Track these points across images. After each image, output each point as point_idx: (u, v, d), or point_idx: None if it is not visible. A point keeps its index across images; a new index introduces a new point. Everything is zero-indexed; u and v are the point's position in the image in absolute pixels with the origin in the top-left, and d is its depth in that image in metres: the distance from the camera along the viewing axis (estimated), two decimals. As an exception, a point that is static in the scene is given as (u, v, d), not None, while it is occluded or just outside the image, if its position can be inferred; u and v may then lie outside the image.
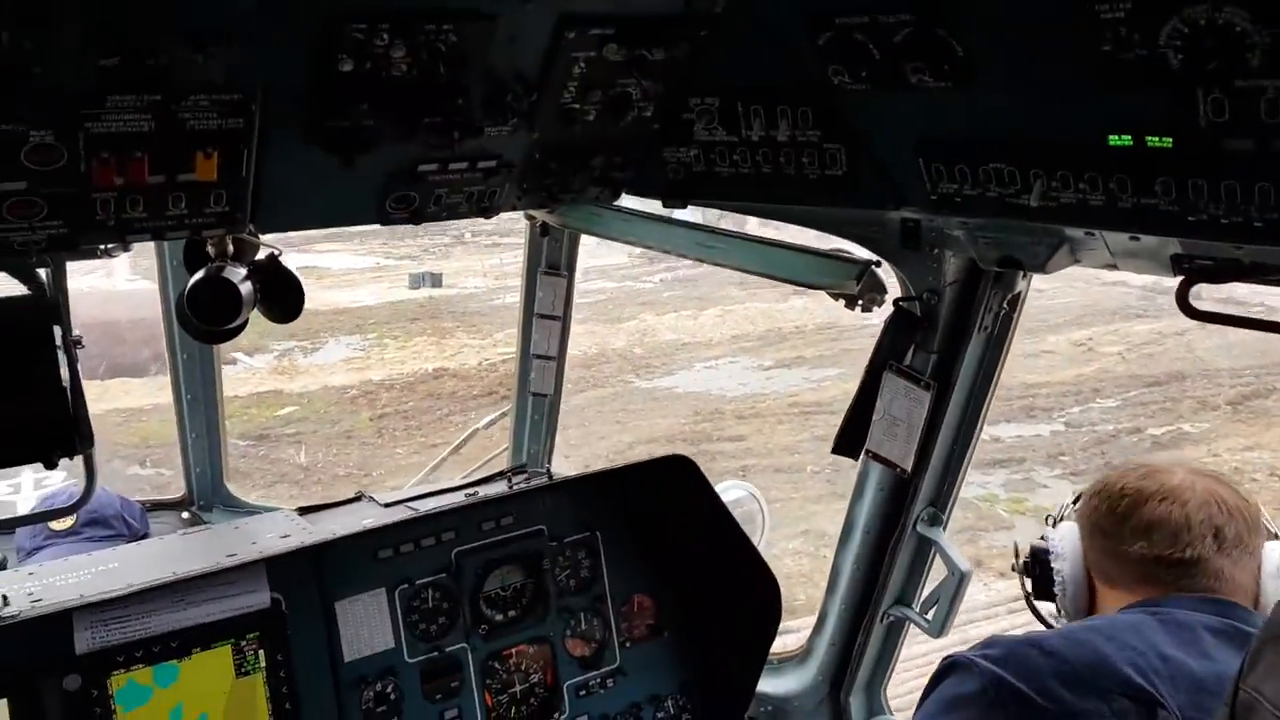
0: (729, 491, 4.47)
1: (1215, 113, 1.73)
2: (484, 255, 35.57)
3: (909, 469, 3.05)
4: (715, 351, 26.02)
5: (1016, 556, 2.48)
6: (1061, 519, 2.43)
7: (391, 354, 25.83)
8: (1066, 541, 2.32)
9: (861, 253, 2.84)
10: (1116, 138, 1.90)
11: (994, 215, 2.23)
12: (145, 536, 4.08)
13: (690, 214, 3.00)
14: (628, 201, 2.89)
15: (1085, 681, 1.90)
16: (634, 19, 2.21)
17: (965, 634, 12.75)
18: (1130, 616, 2.08)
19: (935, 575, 3.35)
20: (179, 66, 1.80)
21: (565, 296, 3.71)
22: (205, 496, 4.28)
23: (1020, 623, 13.59)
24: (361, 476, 18.57)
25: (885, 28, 2.02)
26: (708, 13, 2.29)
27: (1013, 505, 17.14)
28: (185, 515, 4.31)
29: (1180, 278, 2.20)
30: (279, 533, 3.20)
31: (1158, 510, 2.14)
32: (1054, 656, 1.95)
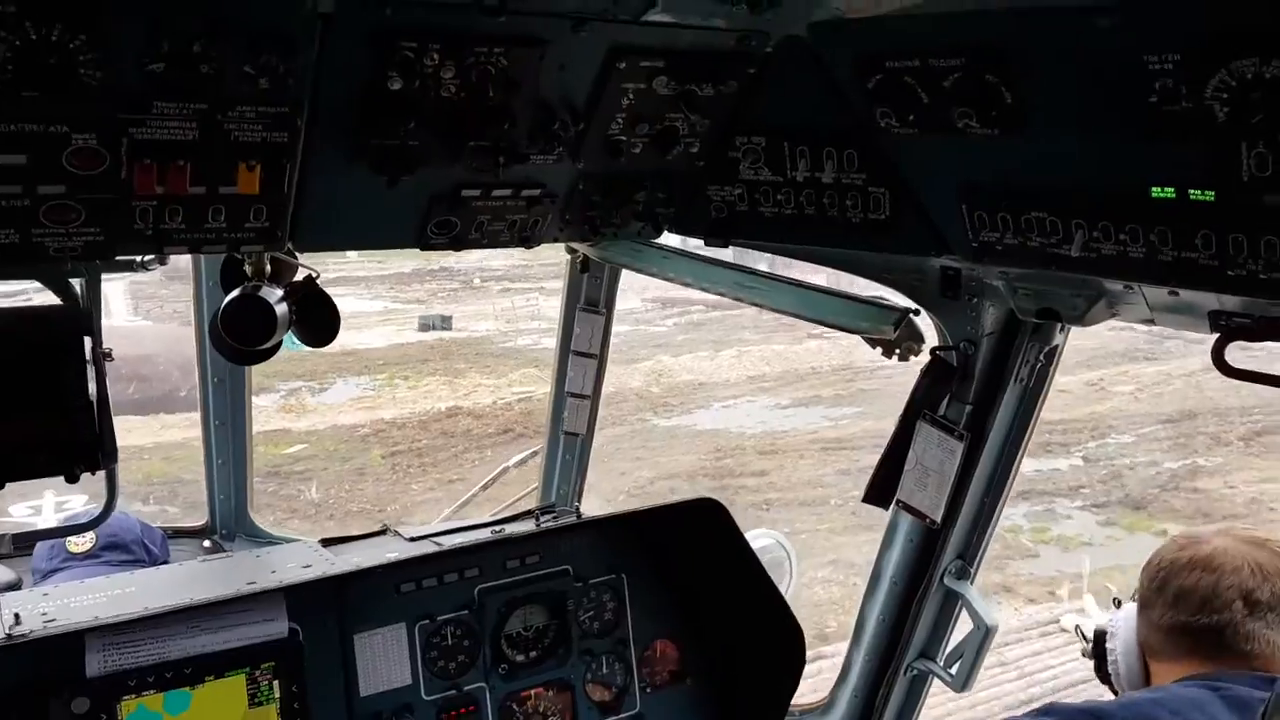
0: (757, 540, 4.40)
1: (1259, 167, 1.73)
2: (494, 300, 36.38)
3: (939, 520, 3.01)
4: (733, 391, 26.67)
5: (1084, 640, 2.55)
6: (1125, 601, 2.45)
7: (403, 393, 26.14)
8: (1121, 620, 2.36)
9: (900, 300, 2.84)
10: (1159, 190, 1.89)
11: (1035, 265, 2.22)
12: (165, 564, 4.06)
13: (728, 256, 3.01)
14: (668, 239, 2.90)
15: None
16: (685, 53, 2.23)
17: (1001, 655, 12.79)
18: (1190, 691, 2.03)
19: (961, 628, 3.29)
20: (227, 75, 1.81)
21: (603, 334, 3.70)
22: (228, 525, 4.26)
23: (1052, 645, 13.65)
24: (376, 511, 18.69)
25: (935, 71, 2.04)
26: (759, 51, 2.31)
27: (1036, 535, 17.31)
28: (207, 544, 4.28)
29: (1217, 335, 2.18)
30: (300, 563, 3.18)
31: (1188, 579, 2.16)
32: None
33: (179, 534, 4.33)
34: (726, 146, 2.48)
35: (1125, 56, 1.78)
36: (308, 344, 2.74)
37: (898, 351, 2.92)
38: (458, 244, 2.36)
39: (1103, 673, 2.41)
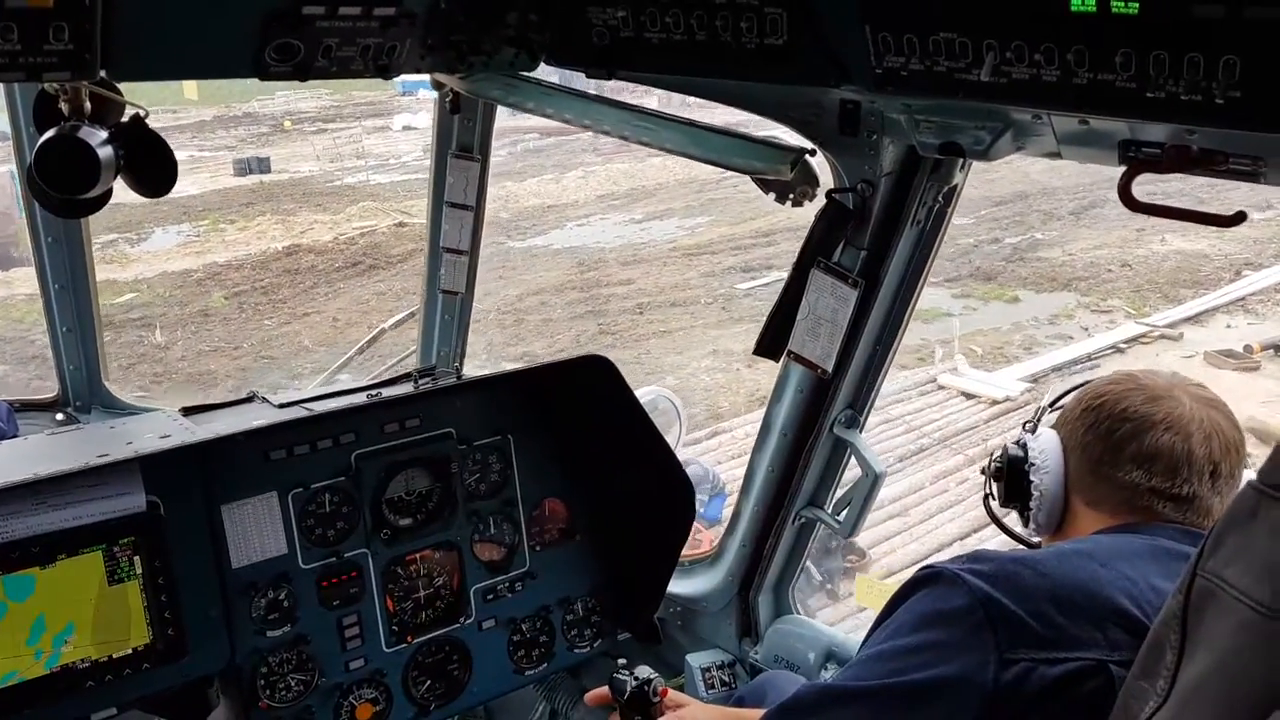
0: (644, 396, 4.38)
1: None
2: (310, 141, 36.19)
3: (830, 370, 2.96)
4: (584, 211, 28.28)
5: (993, 463, 2.34)
6: (1038, 423, 2.31)
7: (232, 236, 25.92)
8: (1050, 455, 2.18)
9: (796, 141, 2.68)
10: (1079, 3, 1.76)
11: (941, 94, 2.08)
12: (12, 438, 3.75)
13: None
14: (546, 75, 2.65)
15: (1080, 607, 1.78)
16: None
17: (887, 413, 13.81)
18: (1118, 542, 1.97)
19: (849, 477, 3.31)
20: None
21: (479, 183, 3.42)
22: (81, 396, 3.91)
23: (932, 401, 14.65)
24: (232, 349, 18.50)
25: None
26: None
27: None
28: (60, 417, 3.95)
29: (1124, 167, 2.10)
30: (159, 433, 2.94)
31: (1161, 440, 2.03)
32: (1048, 578, 1.82)
33: (27, 407, 3.98)
34: None
35: None
36: (143, 193, 2.42)
37: (791, 196, 2.79)
38: (303, 72, 2.06)
39: (1010, 502, 2.28)
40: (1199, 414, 2.06)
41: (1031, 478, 2.20)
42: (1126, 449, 2.06)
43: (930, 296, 18.80)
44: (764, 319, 2.98)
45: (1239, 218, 2.11)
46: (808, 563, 3.53)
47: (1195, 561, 1.29)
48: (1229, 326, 17.32)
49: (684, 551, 3.45)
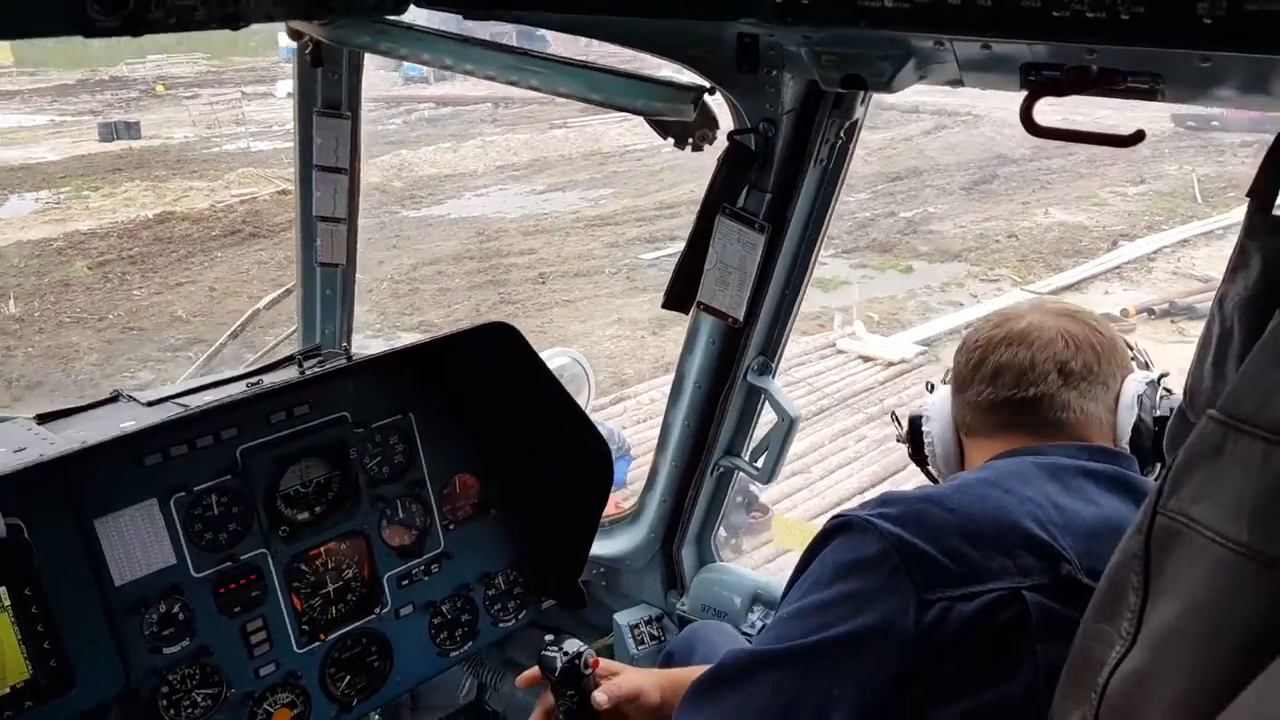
0: (553, 360, 4.20)
1: None
2: (185, 106, 34.98)
3: (741, 319, 2.87)
4: (483, 181, 28.04)
5: (898, 425, 2.43)
6: (942, 383, 2.34)
7: (97, 204, 24.82)
8: (938, 405, 2.27)
9: (693, 80, 2.53)
10: None
11: (843, 24, 1.98)
12: None
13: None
14: (419, 19, 2.41)
15: (990, 538, 1.77)
16: None
17: (790, 376, 14.22)
18: (1012, 464, 1.98)
19: (763, 424, 3.25)
20: None
21: (351, 143, 3.13)
22: (-86, 408, 3.52)
23: (831, 364, 15.08)
24: (96, 320, 17.55)
25: None
26: None
27: None
28: None
29: (1026, 92, 2.05)
30: (11, 446, 2.64)
31: (1004, 355, 2.10)
32: (956, 513, 1.80)
33: None
34: None
35: None
36: None
37: (691, 140, 2.65)
38: (135, 26, 1.77)
39: (919, 457, 2.35)
40: (1045, 323, 2.11)
41: (924, 427, 2.29)
42: (979, 371, 2.13)
43: (829, 266, 19.34)
44: (662, 289, 2.88)
45: (1138, 136, 2.09)
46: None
47: (1155, 500, 1.24)
48: (1107, 293, 18.28)
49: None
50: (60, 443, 2.65)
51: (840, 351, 16.03)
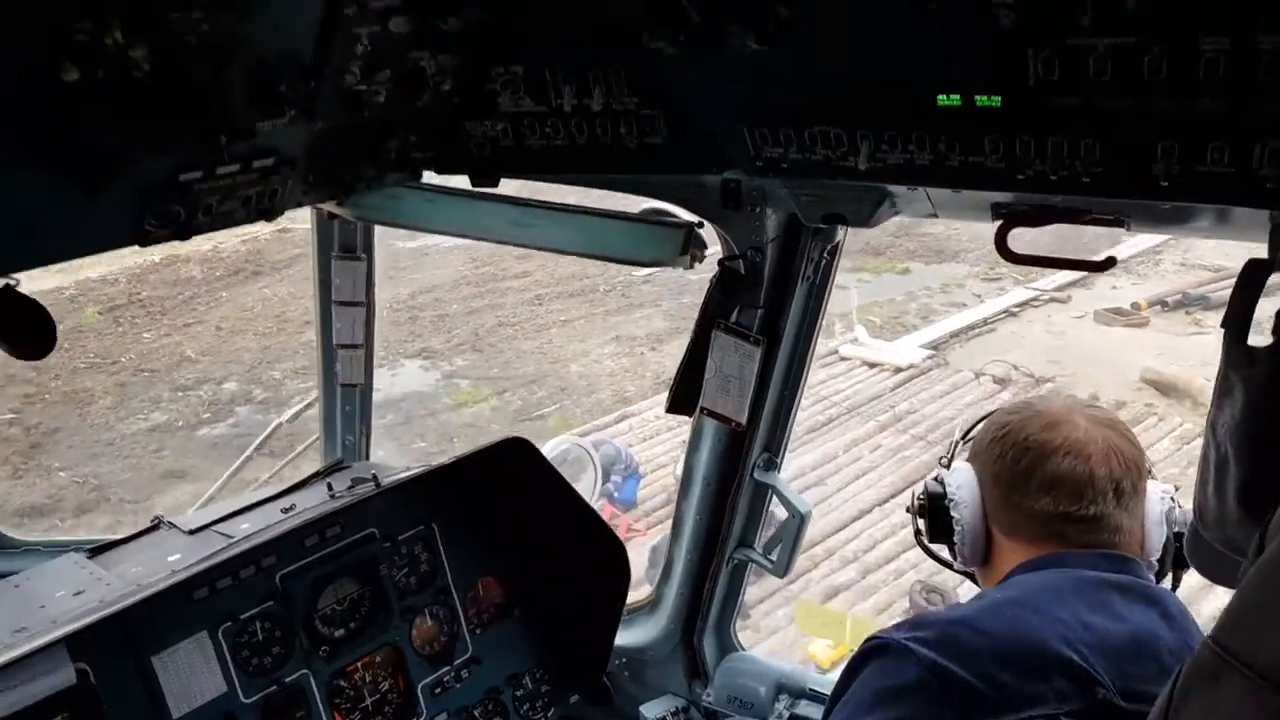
0: (557, 447, 4.41)
1: (1044, 71, 1.71)
2: None
3: (744, 422, 3.04)
4: None
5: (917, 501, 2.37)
6: (952, 458, 2.36)
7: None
8: (966, 489, 2.21)
9: (681, 214, 2.73)
10: (945, 98, 1.85)
11: (821, 177, 2.16)
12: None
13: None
14: (428, 177, 2.62)
15: (1024, 663, 1.82)
16: None
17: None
18: (1043, 580, 2.03)
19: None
20: None
21: (366, 280, 3.37)
22: (-35, 542, 3.70)
23: (835, 372, 14.80)
24: (109, 364, 17.67)
25: None
26: None
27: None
28: None
29: (999, 223, 2.22)
30: (70, 589, 2.80)
31: (1062, 465, 2.09)
32: (989, 636, 1.86)
33: (-89, 559, 3.72)
34: (482, 79, 2.22)
35: None
36: (23, 358, 2.30)
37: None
38: (185, 233, 1.99)
39: (937, 538, 2.31)
40: (1096, 434, 2.14)
41: (952, 513, 2.24)
42: (1033, 477, 2.12)
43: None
44: (656, 305, 3.02)
45: (1109, 262, 2.27)
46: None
47: (1165, 710, 1.27)
48: (1114, 288, 17.99)
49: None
50: (115, 583, 2.81)
51: (844, 358, 15.77)
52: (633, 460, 11.36)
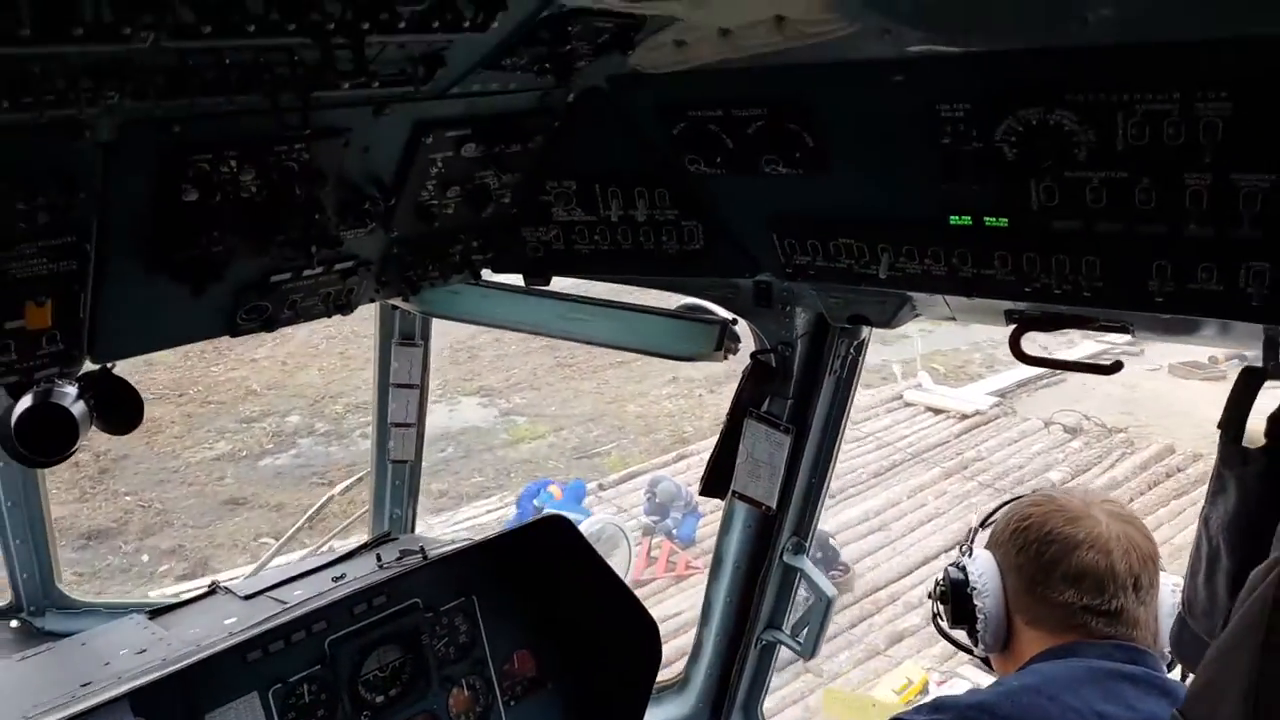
0: (593, 525, 4.55)
1: (1046, 198, 1.90)
2: None
3: (774, 506, 3.19)
4: None
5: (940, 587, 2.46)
6: (972, 544, 2.47)
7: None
8: (988, 577, 2.31)
9: (716, 307, 2.95)
10: (957, 218, 2.05)
11: (845, 283, 2.36)
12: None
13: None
14: (485, 274, 2.86)
15: None
16: (488, 118, 2.19)
17: (857, 430, 13.71)
18: (1059, 670, 2.13)
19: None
20: (1, 217, 1.64)
21: (422, 364, 3.62)
22: (35, 601, 3.91)
23: (900, 418, 14.75)
24: (177, 395, 18.39)
25: (738, 120, 2.10)
26: (560, 105, 2.30)
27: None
28: (15, 624, 3.93)
29: (1013, 326, 2.40)
30: (133, 647, 2.98)
31: (1086, 559, 2.19)
32: None
33: (-20, 618, 3.95)
34: (537, 191, 2.47)
35: (917, 105, 1.90)
36: (109, 432, 2.53)
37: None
38: (269, 325, 2.24)
39: (958, 623, 2.40)
40: (1116, 530, 2.25)
41: (974, 601, 2.35)
42: (1056, 570, 2.23)
43: None
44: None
45: (1116, 367, 2.43)
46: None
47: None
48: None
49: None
50: (175, 642, 2.98)
51: (908, 404, 15.77)
52: (692, 498, 11.40)
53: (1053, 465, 14.33)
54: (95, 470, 15.72)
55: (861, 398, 15.67)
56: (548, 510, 11.33)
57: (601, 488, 13.78)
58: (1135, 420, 15.64)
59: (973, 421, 15.23)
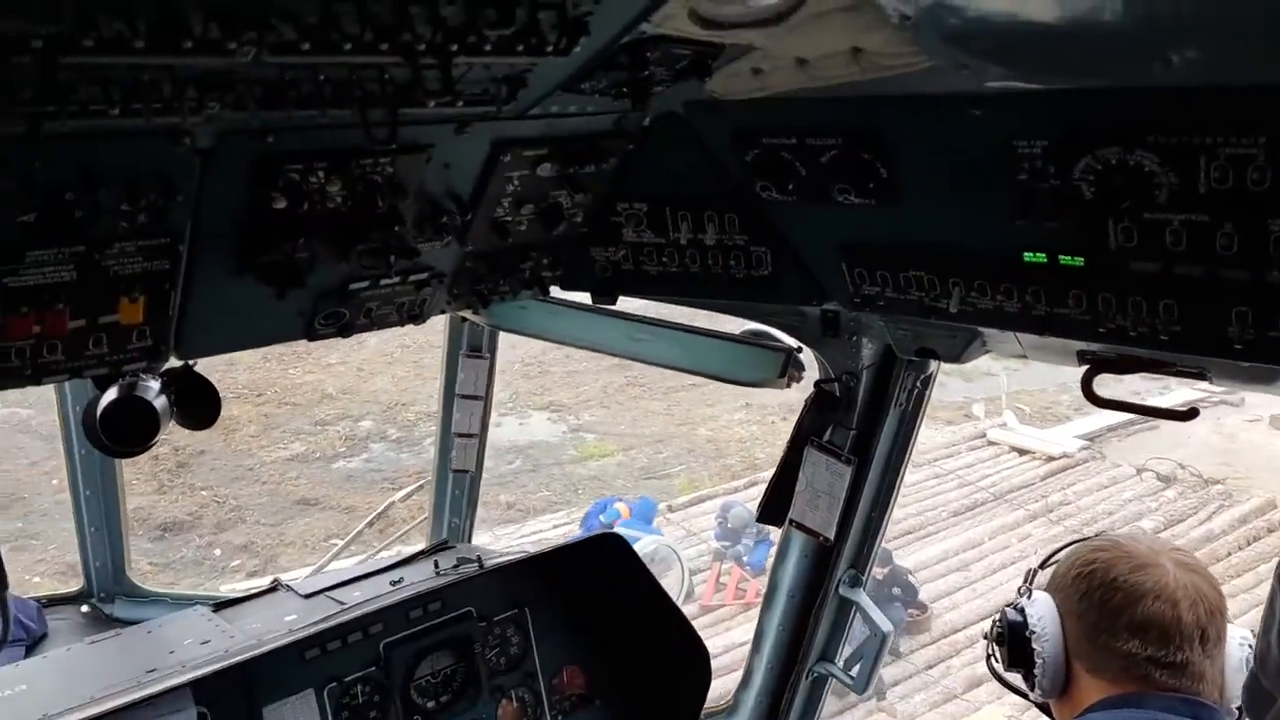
0: (646, 546, 4.56)
1: (1124, 239, 1.86)
2: None
3: (832, 537, 3.16)
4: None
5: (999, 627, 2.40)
6: (1031, 586, 2.42)
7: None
8: (1048, 621, 2.27)
9: (782, 337, 2.94)
10: (1031, 255, 2.02)
11: (914, 315, 2.34)
12: (44, 637, 3.85)
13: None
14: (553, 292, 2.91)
15: None
16: (566, 139, 2.24)
17: (938, 468, 13.52)
18: (1116, 718, 2.10)
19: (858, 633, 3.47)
20: (103, 216, 1.72)
21: (488, 377, 3.69)
22: (106, 588, 4.06)
23: (983, 456, 14.52)
24: (255, 396, 18.87)
25: (812, 149, 2.10)
26: (635, 129, 2.33)
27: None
28: (85, 609, 4.08)
29: (1085, 367, 2.35)
30: (197, 638, 3.07)
31: (1152, 609, 2.15)
32: None
33: (54, 602, 4.10)
34: (609, 212, 2.50)
35: (995, 140, 1.88)
36: (189, 429, 2.63)
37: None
38: (345, 331, 2.31)
39: (1016, 664, 2.34)
40: (1184, 580, 2.19)
41: (1033, 645, 2.30)
42: (1121, 618, 2.17)
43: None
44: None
45: (1191, 413, 2.36)
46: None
47: None
48: None
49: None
50: (237, 635, 3.07)
51: (992, 443, 15.47)
52: (765, 528, 11.31)
53: (1145, 514, 13.94)
54: (174, 464, 16.25)
55: (942, 434, 15.71)
56: (617, 527, 11.40)
57: (670, 509, 13.76)
58: (1234, 471, 15.12)
59: (1059, 464, 14.88)
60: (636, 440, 17.71)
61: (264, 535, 14.43)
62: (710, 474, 16.20)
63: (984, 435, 15.84)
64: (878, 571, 11.08)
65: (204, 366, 2.38)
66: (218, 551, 14.26)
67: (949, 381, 18.99)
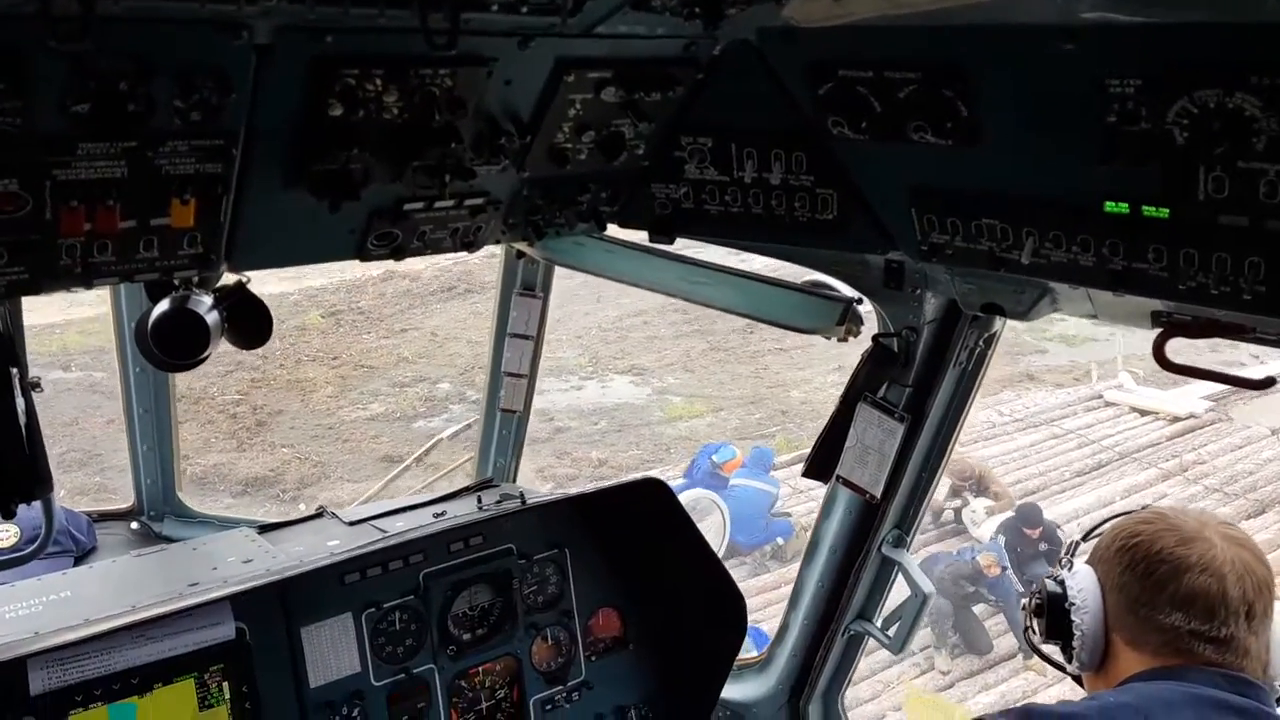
0: (687, 499, 4.54)
1: (1215, 189, 1.76)
2: None
3: (879, 495, 3.10)
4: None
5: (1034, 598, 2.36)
6: (1073, 558, 2.36)
7: (327, 264, 26.80)
8: (1088, 594, 2.22)
9: (842, 287, 2.86)
10: (1113, 204, 1.92)
11: (983, 267, 2.25)
12: (93, 550, 3.94)
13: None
14: (610, 229, 2.85)
15: None
16: (632, 61, 2.17)
17: (1055, 429, 13.44)
18: (1159, 690, 2.04)
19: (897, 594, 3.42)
20: (157, 111, 1.70)
21: (540, 317, 3.66)
22: (155, 507, 4.14)
23: (1102, 417, 14.34)
24: (331, 359, 19.25)
25: (890, 83, 2.01)
26: (705, 56, 2.25)
27: (1037, 334, 18.17)
28: (135, 526, 4.16)
29: (1158, 330, 2.24)
30: (240, 556, 3.12)
31: (1197, 583, 2.09)
32: None
33: (104, 517, 4.20)
34: (672, 146, 2.43)
35: (1085, 77, 1.79)
36: (240, 347, 2.64)
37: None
38: (398, 254, 2.28)
39: (1054, 636, 2.30)
40: (1230, 554, 2.12)
41: (1072, 616, 2.25)
42: (1165, 591, 2.12)
43: (1070, 323, 19.28)
44: None
45: (1269, 381, 2.25)
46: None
47: None
48: None
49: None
50: (280, 556, 3.11)
51: (1110, 404, 15.27)
52: None
53: (1288, 475, 13.47)
54: (252, 422, 16.60)
55: (1054, 396, 15.43)
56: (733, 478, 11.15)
57: (774, 467, 13.67)
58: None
59: (1186, 425, 14.59)
60: (726, 402, 17.64)
61: (350, 492, 14.68)
62: (808, 435, 16.09)
63: (1100, 396, 15.56)
64: (1028, 530, 11.04)
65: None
66: (302, 506, 14.59)
67: (1051, 346, 18.86)
